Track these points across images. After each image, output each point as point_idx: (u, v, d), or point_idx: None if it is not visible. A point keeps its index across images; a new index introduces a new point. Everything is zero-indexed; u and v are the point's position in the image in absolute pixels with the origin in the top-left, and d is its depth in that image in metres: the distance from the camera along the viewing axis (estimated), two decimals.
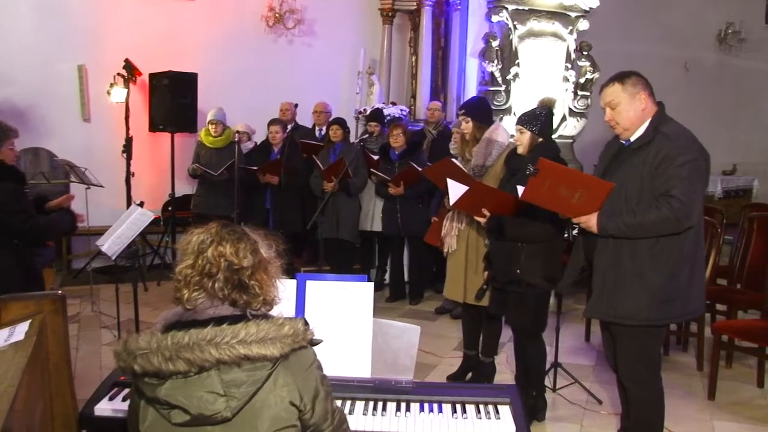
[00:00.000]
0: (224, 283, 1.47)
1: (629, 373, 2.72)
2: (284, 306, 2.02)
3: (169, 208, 6.73)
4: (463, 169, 3.52)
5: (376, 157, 5.70)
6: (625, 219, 2.52)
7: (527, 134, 3.22)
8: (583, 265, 2.80)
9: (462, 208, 3.47)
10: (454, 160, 3.61)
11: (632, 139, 2.65)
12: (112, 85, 6.64)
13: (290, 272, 2.20)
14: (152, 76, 6.74)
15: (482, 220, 3.28)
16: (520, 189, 2.70)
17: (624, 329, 2.65)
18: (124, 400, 2.03)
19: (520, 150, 3.27)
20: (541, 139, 3.23)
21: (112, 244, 4.17)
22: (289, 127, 6.19)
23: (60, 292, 2.13)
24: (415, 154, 5.59)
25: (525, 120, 3.25)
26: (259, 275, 1.51)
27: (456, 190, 3.25)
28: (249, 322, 1.42)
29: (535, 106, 3.39)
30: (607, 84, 2.68)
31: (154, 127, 6.81)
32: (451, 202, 3.29)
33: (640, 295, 2.56)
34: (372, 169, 5.59)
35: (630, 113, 2.61)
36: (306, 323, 1.48)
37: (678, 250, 2.55)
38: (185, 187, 6.89)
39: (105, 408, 2.01)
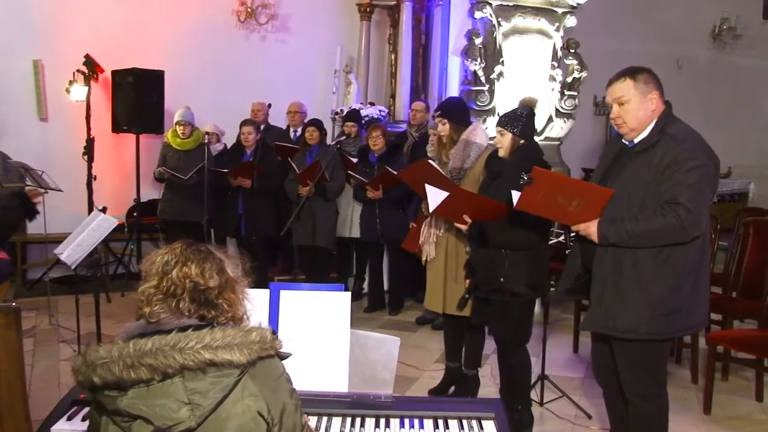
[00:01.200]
0: (190, 303, 1.50)
1: (635, 386, 2.68)
2: (257, 317, 2.02)
3: (134, 214, 6.67)
4: (441, 171, 3.54)
5: (354, 160, 5.71)
6: (627, 226, 2.49)
7: (508, 136, 3.24)
8: (579, 272, 2.79)
9: (442, 215, 3.48)
10: (431, 161, 3.62)
11: (636, 140, 2.61)
12: (71, 82, 6.56)
13: (263, 281, 2.19)
14: (115, 73, 6.68)
15: (463, 227, 3.29)
16: (515, 195, 2.69)
17: (624, 343, 2.63)
18: (84, 419, 1.99)
19: (501, 153, 3.28)
20: (522, 141, 3.25)
21: (71, 253, 4.12)
22: (261, 128, 6.18)
23: (14, 304, 2.10)
24: (394, 156, 5.60)
25: (505, 121, 3.27)
26: (226, 294, 1.54)
27: (435, 196, 3.25)
28: (214, 329, 1.44)
29: (516, 106, 3.41)
30: (617, 78, 2.62)
31: (117, 127, 6.74)
32: (431, 209, 3.29)
33: (640, 307, 2.54)
34: (350, 172, 5.60)
35: (639, 113, 2.56)
36: (273, 332, 1.50)
37: (683, 259, 2.52)
38: (151, 192, 6.83)
39: (63, 429, 1.97)
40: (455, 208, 3.24)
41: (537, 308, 4.36)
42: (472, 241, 3.36)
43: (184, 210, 5.87)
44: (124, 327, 1.54)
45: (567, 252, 3.95)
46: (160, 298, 1.50)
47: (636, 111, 2.57)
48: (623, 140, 2.71)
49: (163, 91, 6.69)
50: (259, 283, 2.04)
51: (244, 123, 5.88)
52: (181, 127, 5.91)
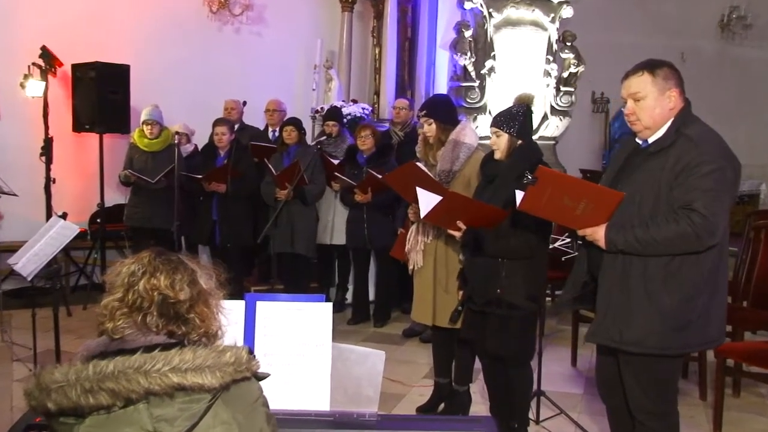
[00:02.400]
0: (158, 318, 1.48)
1: (644, 404, 2.67)
2: (232, 330, 2.00)
3: (98, 221, 6.61)
4: (429, 174, 3.54)
5: (336, 161, 5.71)
6: (637, 233, 2.47)
7: (504, 137, 3.24)
8: (585, 279, 2.78)
9: (433, 221, 3.48)
10: (419, 164, 3.63)
11: (651, 140, 2.60)
12: (26, 76, 6.46)
13: (239, 292, 2.18)
14: (76, 67, 6.62)
15: (457, 234, 3.28)
16: (519, 196, 2.68)
17: (631, 357, 2.62)
18: None
19: (498, 155, 3.28)
20: (520, 142, 3.25)
21: (27, 263, 4.07)
22: (235, 127, 6.16)
23: None
24: (385, 158, 5.60)
25: (501, 121, 3.27)
26: (198, 308, 1.51)
27: (427, 200, 3.24)
28: (184, 349, 1.41)
29: (511, 104, 3.43)
30: (633, 72, 2.60)
31: (78, 126, 6.68)
32: (422, 214, 3.28)
33: (649, 319, 2.52)
34: (336, 174, 5.60)
35: (656, 111, 2.54)
36: (250, 352, 1.47)
37: (697, 269, 2.50)
38: (116, 196, 6.77)
39: None
40: (449, 213, 3.23)
41: None
42: (465, 250, 3.36)
43: (152, 216, 5.83)
44: (84, 344, 1.50)
45: (563, 259, 3.99)
46: (124, 312, 1.47)
47: (652, 108, 2.55)
48: (636, 139, 2.70)
49: (129, 87, 6.65)
50: (234, 294, 2.03)
51: (217, 122, 5.87)
52: (149, 127, 5.88)
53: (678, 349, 2.61)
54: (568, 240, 3.08)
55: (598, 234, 2.56)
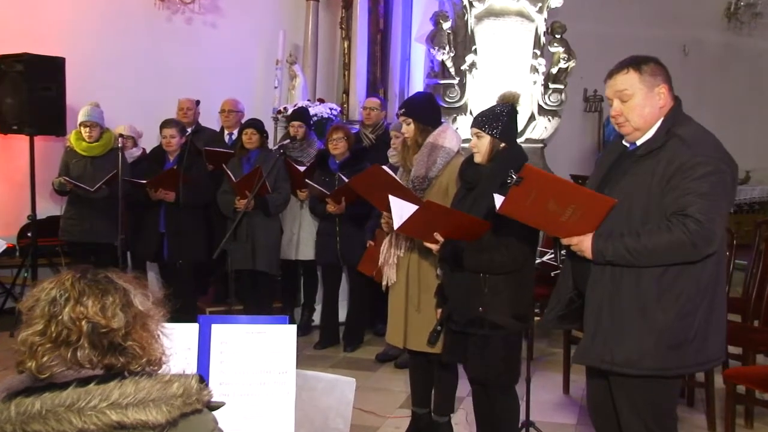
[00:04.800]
0: (91, 350, 1.42)
1: (640, 431, 2.69)
2: (183, 357, 2.01)
3: (28, 234, 6.54)
4: (396, 178, 3.57)
5: (302, 168, 5.72)
6: (628, 242, 2.50)
7: (486, 139, 3.27)
8: (571, 295, 2.82)
9: (408, 233, 3.51)
10: (385, 167, 3.64)
11: (639, 142, 2.65)
12: None
13: (192, 313, 2.18)
14: (1, 58, 6.54)
15: (434, 246, 3.29)
16: (498, 199, 2.69)
17: (624, 379, 2.65)
18: None
19: (478, 158, 3.31)
20: (503, 145, 3.29)
21: None
22: (189, 130, 6.14)
23: None
24: (360, 163, 5.62)
25: (483, 121, 3.30)
26: (136, 334, 1.47)
27: (401, 209, 3.25)
28: (125, 380, 1.37)
29: (494, 103, 3.47)
30: (618, 69, 2.65)
31: (4, 127, 6.59)
32: (395, 226, 3.28)
33: (643, 337, 2.55)
34: (307, 181, 5.61)
35: (645, 110, 2.59)
36: (201, 380, 1.46)
37: (694, 281, 2.54)
38: (50, 207, 6.70)
39: None
40: (426, 224, 3.24)
41: None
42: (443, 264, 3.39)
43: (91, 229, 5.77)
44: (5, 381, 1.44)
45: (553, 274, 4.03)
46: (48, 348, 1.40)
47: (641, 107, 2.60)
48: (624, 142, 2.75)
49: (64, 83, 6.59)
50: (186, 316, 2.03)
51: (164, 124, 5.84)
52: (87, 129, 5.82)
53: (675, 370, 2.64)
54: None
55: (584, 243, 2.58)
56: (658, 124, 2.62)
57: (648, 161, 2.58)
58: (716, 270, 2.61)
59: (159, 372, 1.50)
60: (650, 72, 2.61)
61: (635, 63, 2.63)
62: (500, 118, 3.29)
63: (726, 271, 3.88)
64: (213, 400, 1.48)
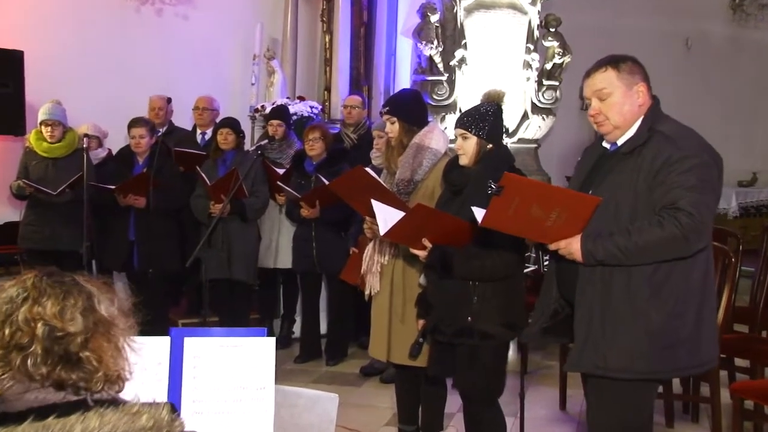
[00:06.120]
0: (43, 358, 1.38)
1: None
2: (154, 373, 2.01)
3: None
4: (380, 181, 3.58)
5: (281, 171, 5.72)
6: (618, 240, 2.57)
7: (472, 140, 3.29)
8: (555, 306, 2.86)
9: (395, 239, 3.51)
10: (368, 169, 3.65)
11: (621, 141, 2.74)
12: None
13: (163, 326, 2.18)
14: None
15: (422, 253, 3.30)
16: (478, 212, 2.73)
17: (611, 383, 2.70)
18: None
19: (464, 160, 3.33)
20: (491, 146, 3.31)
21: None
22: (161, 130, 6.12)
23: None
24: (337, 165, 5.63)
25: (468, 121, 3.32)
26: (95, 342, 1.43)
27: (387, 214, 3.26)
28: (89, 413, 1.34)
29: (479, 102, 3.49)
30: (596, 68, 2.76)
31: None
32: (381, 231, 3.29)
33: (637, 338, 2.62)
34: (279, 184, 5.61)
35: (624, 107, 2.70)
36: (173, 409, 1.44)
37: (686, 278, 2.62)
38: (8, 212, 6.68)
39: None
40: (414, 229, 3.26)
41: (512, 353, 4.41)
42: (429, 271, 3.40)
43: (54, 236, 5.72)
44: None
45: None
46: (1, 355, 1.37)
47: (620, 105, 2.71)
48: (603, 143, 2.84)
49: (23, 79, 6.57)
50: (157, 329, 2.03)
51: (132, 123, 5.81)
52: (49, 128, 5.77)
53: (670, 373, 2.76)
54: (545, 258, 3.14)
55: (572, 246, 2.64)
56: (639, 122, 2.72)
57: (632, 159, 2.67)
58: (706, 267, 2.70)
59: (125, 400, 1.45)
60: (628, 70, 2.72)
61: (613, 61, 2.74)
62: (486, 118, 3.32)
63: (732, 277, 3.93)
64: (186, 430, 1.46)
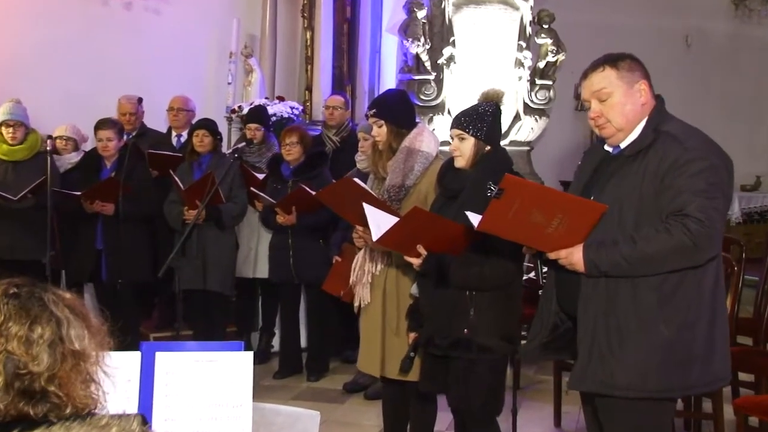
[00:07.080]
0: (2, 391, 1.38)
1: None
2: (124, 390, 1.98)
3: None
4: (370, 190, 3.58)
5: (261, 176, 5.71)
6: (623, 250, 2.54)
7: (470, 141, 3.30)
8: (555, 320, 2.84)
9: (389, 246, 3.51)
10: (357, 180, 3.66)
11: (624, 144, 2.71)
12: None
13: (134, 340, 2.16)
14: None
15: (416, 261, 3.30)
16: (473, 217, 2.72)
17: (620, 402, 2.66)
18: None
19: (460, 163, 3.33)
20: (488, 147, 3.32)
21: None
22: (132, 134, 6.08)
23: None
24: (315, 169, 5.63)
25: (466, 122, 3.32)
26: (64, 377, 1.41)
27: (380, 220, 3.26)
28: (53, 427, 1.34)
29: (476, 101, 3.50)
30: (593, 68, 2.74)
31: None
32: (374, 238, 3.28)
33: (647, 353, 2.59)
34: (254, 189, 5.59)
35: (626, 108, 2.67)
36: (144, 422, 1.44)
37: (696, 289, 2.60)
38: None
39: None
40: (408, 235, 3.25)
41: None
42: (423, 281, 3.40)
43: (14, 245, 5.66)
44: None
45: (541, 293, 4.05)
46: None
47: (622, 105, 2.68)
48: (605, 147, 2.81)
49: None
50: (127, 343, 2.01)
51: (99, 125, 5.77)
52: (10, 129, 5.73)
53: (682, 391, 2.72)
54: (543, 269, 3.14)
55: (574, 256, 2.62)
56: (643, 123, 2.69)
57: (637, 162, 2.64)
58: (716, 277, 2.68)
59: (94, 412, 1.45)
60: (627, 68, 2.70)
61: (611, 60, 2.72)
62: (484, 118, 3.32)
63: (735, 286, 3.94)
64: None
